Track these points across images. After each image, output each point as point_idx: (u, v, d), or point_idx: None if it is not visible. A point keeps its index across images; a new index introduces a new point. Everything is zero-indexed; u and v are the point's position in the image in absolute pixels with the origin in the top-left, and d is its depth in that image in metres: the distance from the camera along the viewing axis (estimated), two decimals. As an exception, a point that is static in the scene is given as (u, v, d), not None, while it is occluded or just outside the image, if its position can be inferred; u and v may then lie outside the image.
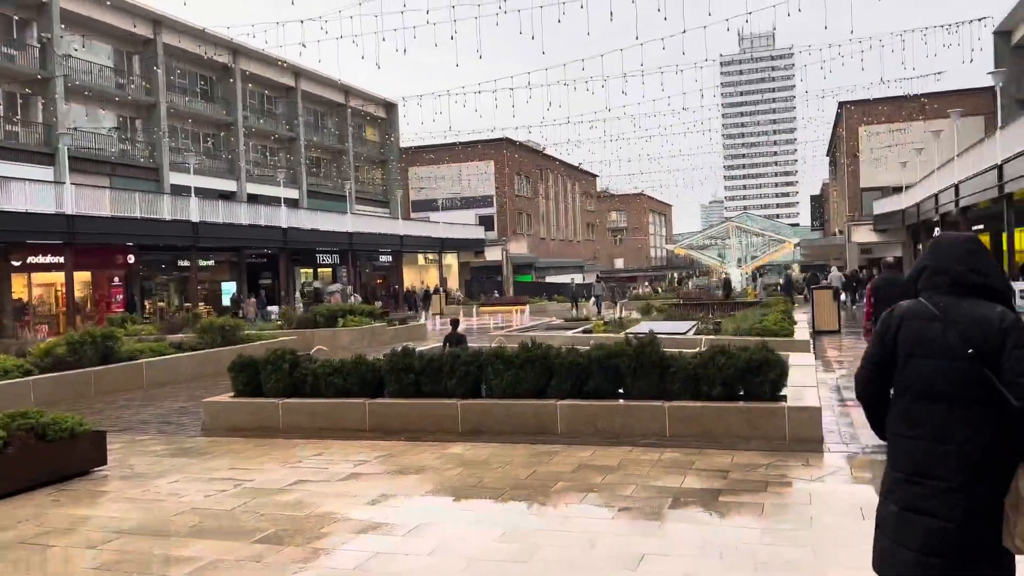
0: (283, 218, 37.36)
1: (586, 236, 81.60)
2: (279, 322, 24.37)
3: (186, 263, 33.49)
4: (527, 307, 40.49)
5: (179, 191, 34.08)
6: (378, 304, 44.98)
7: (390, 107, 58.53)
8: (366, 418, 8.99)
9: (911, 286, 2.90)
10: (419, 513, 5.86)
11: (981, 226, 36.66)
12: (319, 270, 44.99)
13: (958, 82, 59.10)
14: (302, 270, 44.89)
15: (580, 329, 17.61)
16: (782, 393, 8.19)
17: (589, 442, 7.92)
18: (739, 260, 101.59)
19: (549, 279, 62.17)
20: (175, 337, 17.82)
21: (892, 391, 2.81)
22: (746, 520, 5.37)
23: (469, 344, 12.88)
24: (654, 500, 5.86)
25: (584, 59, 21.28)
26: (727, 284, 38.09)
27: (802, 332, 15.12)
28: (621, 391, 8.58)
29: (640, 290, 44.35)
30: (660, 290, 64.26)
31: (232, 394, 9.97)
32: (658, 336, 15.83)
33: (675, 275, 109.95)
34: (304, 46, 17.42)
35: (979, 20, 21.53)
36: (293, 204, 46.19)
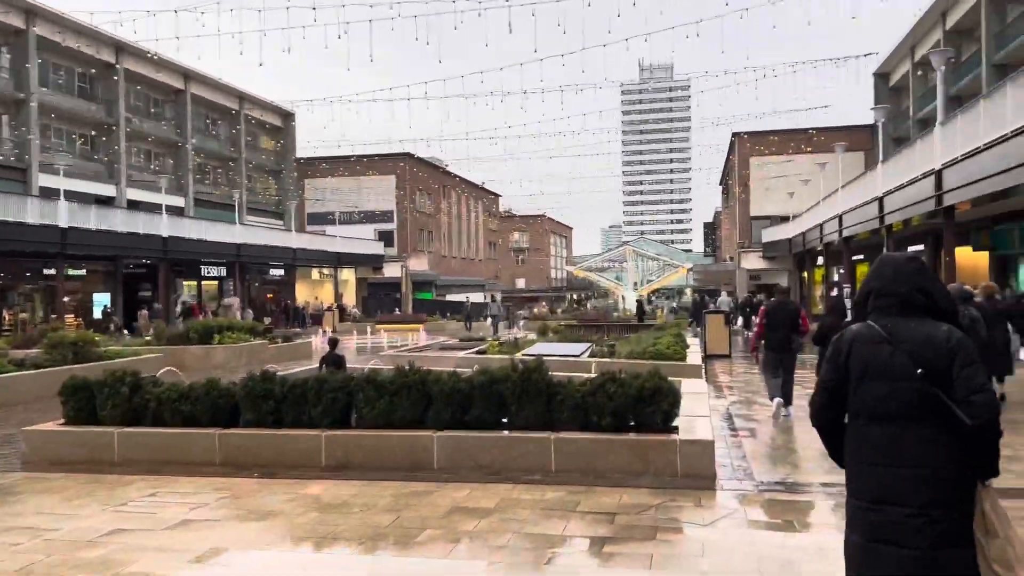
0: (164, 226, 35.04)
1: (488, 255, 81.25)
2: (148, 337, 22.51)
3: (53, 271, 30.79)
4: (423, 325, 39.55)
5: (50, 194, 31.39)
6: (267, 320, 43.16)
7: (287, 116, 56.55)
8: (216, 451, 7.90)
9: (860, 308, 2.86)
10: (251, 574, 4.92)
11: (861, 256, 38.40)
12: (203, 283, 42.56)
13: (843, 117, 62.14)
14: (185, 282, 42.34)
15: (474, 350, 16.87)
16: (674, 424, 7.67)
17: (468, 478, 7.16)
18: (635, 283, 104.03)
19: (450, 297, 61.29)
20: (19, 353, 15.95)
21: (847, 416, 2.77)
22: (632, 576, 4.71)
23: (356, 366, 11.92)
24: (531, 552, 5.14)
25: (483, 71, 20.79)
26: (640, 307, 38.24)
27: (694, 356, 14.89)
28: (506, 420, 7.86)
29: (537, 310, 43.96)
30: (560, 311, 64.91)
31: (62, 421, 8.66)
32: (551, 358, 15.32)
33: (574, 296, 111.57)
34: (178, 39, 16.10)
35: (865, 56, 22.38)
36: (179, 212, 43.67)
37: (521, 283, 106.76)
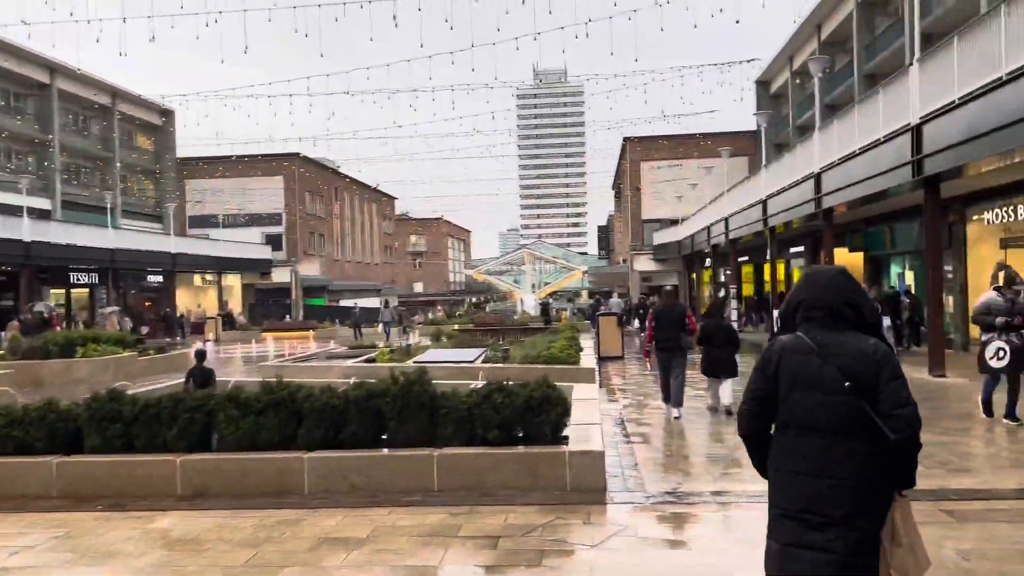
0: (25, 230, 32.34)
1: (384, 259, 79.79)
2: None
3: None
4: (313, 333, 38.18)
5: None
6: (144, 330, 40.64)
7: (165, 113, 53.55)
8: (54, 482, 6.97)
9: (788, 319, 2.85)
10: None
11: (747, 257, 39.79)
12: (73, 291, 39.62)
13: (730, 122, 64.45)
14: (53, 291, 39.30)
15: (363, 358, 16.12)
16: (564, 434, 7.32)
17: (343, 503, 6.55)
18: (533, 286, 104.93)
19: (344, 302, 59.68)
20: None
21: (774, 426, 2.81)
22: (514, 612, 4.27)
23: (242, 379, 11.04)
24: (404, 588, 4.62)
25: (369, 67, 20.15)
26: (546, 309, 38.05)
27: (588, 359, 14.71)
28: (385, 437, 7.30)
29: (432, 314, 43.17)
30: (459, 314, 64.23)
31: None
32: (442, 366, 14.82)
33: (473, 300, 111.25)
34: (26, 23, 14.61)
35: (748, 62, 23.03)
36: (45, 215, 40.55)
37: (419, 287, 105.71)
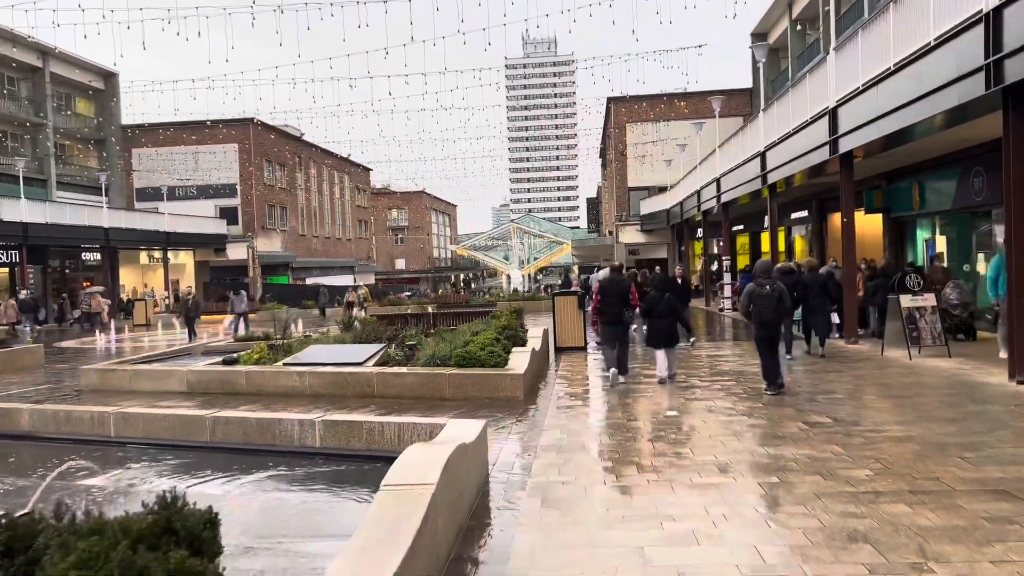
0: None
1: (358, 234, 75.35)
2: None
3: None
4: (256, 316, 34.01)
5: None
6: (77, 313, 36.46)
7: (108, 77, 48.91)
8: None
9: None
10: None
11: (741, 226, 35.61)
12: (-12, 271, 35.32)
13: (720, 79, 59.61)
14: (-39, 271, 35.10)
15: (222, 359, 11.93)
16: None
17: None
18: (521, 261, 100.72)
19: (311, 281, 55.50)
20: None
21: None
22: None
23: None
24: None
25: (350, 54, 16.89)
26: (567, 281, 33.65)
27: (520, 360, 10.52)
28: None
29: (353, 296, 37.87)
30: (441, 292, 59.98)
31: None
32: (324, 369, 10.72)
33: (462, 277, 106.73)
34: None
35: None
36: (-40, 187, 36.25)
37: (401, 263, 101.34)
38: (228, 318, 25.14)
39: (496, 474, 6.26)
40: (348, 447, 6.69)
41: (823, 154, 14.80)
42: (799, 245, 29.60)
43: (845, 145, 13.93)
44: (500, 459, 6.73)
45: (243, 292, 25.23)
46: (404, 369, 10.21)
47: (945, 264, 16.08)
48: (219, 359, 11.79)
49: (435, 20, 17.06)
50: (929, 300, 12.40)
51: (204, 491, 5.88)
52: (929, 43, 10.34)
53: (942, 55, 10.06)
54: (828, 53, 14.66)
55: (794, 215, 27.61)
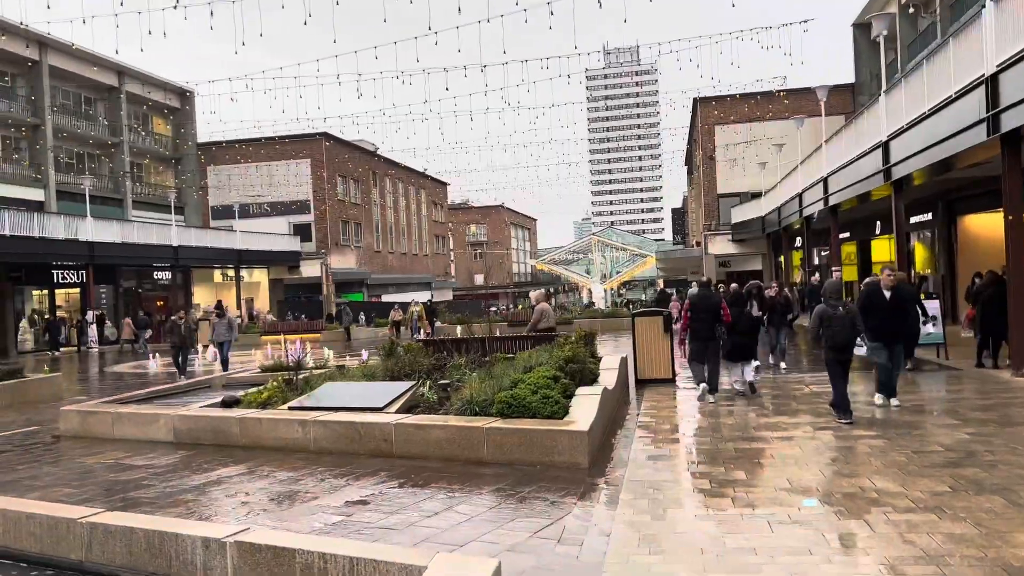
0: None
1: (436, 250, 73.94)
2: None
3: None
4: (320, 335, 32.44)
5: None
6: (148, 333, 35.68)
7: (184, 95, 48.93)
8: None
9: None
10: None
11: (847, 234, 31.80)
12: (57, 290, 34.99)
13: (819, 78, 55.73)
14: (35, 291, 34.87)
15: (220, 400, 9.71)
16: None
17: None
18: (603, 275, 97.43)
19: (387, 298, 54.09)
20: None
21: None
22: None
23: None
24: None
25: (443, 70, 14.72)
26: (664, 296, 30.95)
27: (585, 409, 7.84)
28: None
29: (404, 312, 35.46)
30: (521, 308, 57.31)
31: None
32: (336, 419, 8.31)
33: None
34: None
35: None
36: (39, 207, 36.23)
37: (479, 279, 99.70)
38: (210, 348, 21.08)
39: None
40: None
41: (977, 135, 11.62)
42: (920, 253, 25.81)
43: (1010, 122, 10.76)
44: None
45: (227, 316, 19.90)
46: (433, 419, 7.75)
47: None
48: (218, 401, 9.62)
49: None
50: None
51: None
52: None
53: None
54: (985, 7, 11.48)
55: (913, 219, 23.95)
